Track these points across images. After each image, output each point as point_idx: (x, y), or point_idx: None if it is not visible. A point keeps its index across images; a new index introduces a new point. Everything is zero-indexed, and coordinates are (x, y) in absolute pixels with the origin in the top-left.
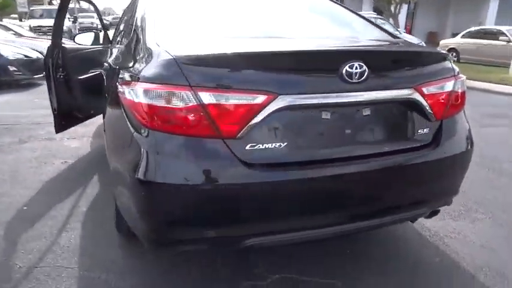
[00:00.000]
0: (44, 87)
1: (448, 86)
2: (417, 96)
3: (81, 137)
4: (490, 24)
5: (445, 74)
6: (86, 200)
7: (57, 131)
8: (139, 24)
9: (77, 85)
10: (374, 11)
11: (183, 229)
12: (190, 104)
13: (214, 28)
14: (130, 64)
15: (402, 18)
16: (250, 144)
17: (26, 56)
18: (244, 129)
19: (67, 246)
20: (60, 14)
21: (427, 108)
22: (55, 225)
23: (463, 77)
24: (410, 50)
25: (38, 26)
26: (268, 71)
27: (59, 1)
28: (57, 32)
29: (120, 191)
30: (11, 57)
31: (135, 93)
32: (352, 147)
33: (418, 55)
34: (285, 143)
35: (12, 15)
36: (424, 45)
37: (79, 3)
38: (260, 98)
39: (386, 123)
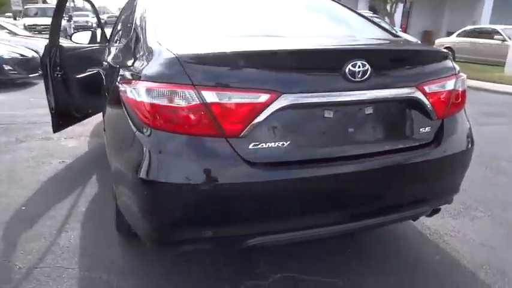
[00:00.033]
0: (39, 87)
1: (449, 84)
2: (419, 95)
3: (79, 137)
4: (484, 23)
5: (446, 72)
6: (84, 199)
7: (54, 131)
8: (139, 22)
9: (75, 84)
10: (370, 10)
11: (185, 229)
12: (193, 103)
13: (216, 26)
14: (132, 63)
15: (398, 17)
16: (253, 143)
17: (21, 55)
18: (247, 128)
19: (67, 246)
20: (58, 12)
21: (429, 106)
22: (54, 226)
23: (463, 75)
24: (412, 49)
25: (33, 25)
26: (272, 69)
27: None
28: (54, 31)
29: (122, 190)
30: (6, 56)
31: (137, 92)
32: (355, 146)
33: (420, 54)
34: (288, 142)
35: (6, 14)
36: None
37: (74, 1)
38: (263, 97)
39: (388, 122)
